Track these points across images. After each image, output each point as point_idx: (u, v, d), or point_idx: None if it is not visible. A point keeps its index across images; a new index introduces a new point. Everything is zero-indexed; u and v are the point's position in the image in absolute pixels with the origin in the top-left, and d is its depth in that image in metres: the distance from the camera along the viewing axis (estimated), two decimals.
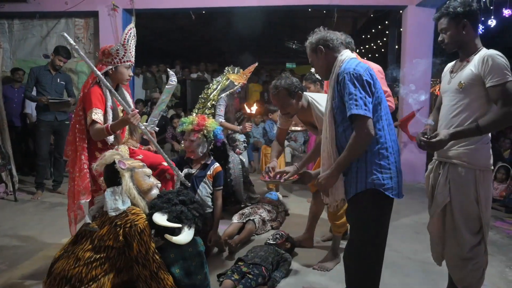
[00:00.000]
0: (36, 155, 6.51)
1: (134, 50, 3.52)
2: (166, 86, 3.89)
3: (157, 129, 3.87)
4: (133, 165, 2.79)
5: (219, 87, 5.24)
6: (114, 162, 2.72)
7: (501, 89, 2.51)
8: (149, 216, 2.66)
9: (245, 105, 5.48)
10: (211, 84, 5.38)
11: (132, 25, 3.57)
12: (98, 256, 2.45)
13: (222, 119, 5.13)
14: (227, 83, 5.25)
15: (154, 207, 2.71)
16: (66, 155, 3.55)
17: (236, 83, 5.27)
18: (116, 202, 2.58)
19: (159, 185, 2.90)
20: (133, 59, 3.53)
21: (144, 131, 3.47)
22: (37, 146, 6.49)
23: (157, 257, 2.53)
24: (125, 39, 3.41)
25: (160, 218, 2.64)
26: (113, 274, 2.49)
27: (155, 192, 2.83)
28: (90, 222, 2.63)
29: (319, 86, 4.98)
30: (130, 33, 3.46)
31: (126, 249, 2.49)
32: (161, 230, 2.67)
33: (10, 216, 5.37)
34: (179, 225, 2.72)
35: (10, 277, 3.53)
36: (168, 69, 4.45)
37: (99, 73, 3.21)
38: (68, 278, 2.40)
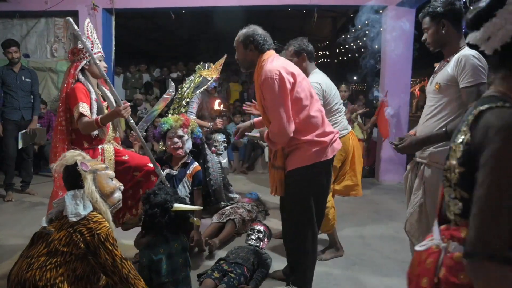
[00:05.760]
0: (3, 155, 6.29)
1: (99, 44, 3.59)
2: (164, 95, 3.92)
3: (145, 133, 3.88)
4: (96, 167, 2.64)
5: (192, 85, 5.22)
6: (75, 164, 2.55)
7: (471, 91, 2.48)
8: (162, 208, 2.88)
9: (215, 101, 5.47)
10: (184, 84, 5.35)
11: (88, 20, 3.61)
12: (54, 260, 2.32)
13: (193, 116, 5.08)
14: (200, 80, 5.23)
15: (169, 201, 2.93)
16: (52, 161, 3.47)
17: (209, 78, 5.24)
18: (77, 206, 2.41)
19: (122, 187, 2.77)
20: (102, 51, 3.56)
21: (132, 126, 3.48)
22: (4, 146, 6.24)
23: (126, 263, 2.46)
24: (87, 31, 3.47)
25: (182, 206, 2.97)
26: (73, 281, 2.36)
27: (117, 195, 2.69)
28: (46, 225, 2.47)
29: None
30: (90, 26, 3.52)
31: (90, 257, 2.38)
32: (178, 218, 2.97)
33: None
34: (201, 207, 3.36)
35: None
36: (170, 80, 4.48)
37: (95, 58, 3.32)
38: (22, 283, 2.27)
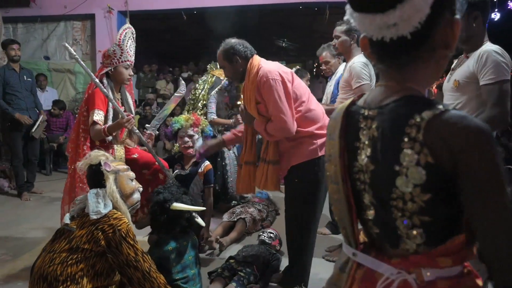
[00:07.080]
0: (12, 156, 6.25)
1: (132, 51, 3.59)
2: (175, 94, 3.97)
3: (157, 132, 3.96)
4: (118, 167, 2.71)
5: (206, 86, 5.21)
6: (99, 163, 2.63)
7: (493, 89, 2.33)
8: (161, 206, 2.90)
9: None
10: (197, 85, 5.33)
11: (128, 25, 3.62)
12: (75, 256, 2.37)
13: (214, 116, 5.09)
14: (213, 80, 5.22)
15: (168, 200, 2.90)
16: (68, 151, 3.65)
17: (222, 78, 5.18)
18: (99, 205, 2.47)
19: (141, 189, 2.83)
20: (132, 59, 3.59)
21: (138, 135, 3.54)
22: (13, 147, 6.20)
23: (147, 257, 2.52)
24: (119, 39, 3.47)
25: (182, 205, 2.92)
26: (92, 276, 2.40)
27: (136, 196, 2.76)
28: (69, 222, 2.53)
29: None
30: (126, 33, 3.51)
31: (110, 254, 2.41)
32: (179, 217, 2.95)
33: (12, 210, 5.56)
34: (204, 208, 3.19)
35: (13, 267, 3.67)
36: (181, 78, 4.45)
37: (97, 80, 3.31)
38: (44, 277, 2.34)
